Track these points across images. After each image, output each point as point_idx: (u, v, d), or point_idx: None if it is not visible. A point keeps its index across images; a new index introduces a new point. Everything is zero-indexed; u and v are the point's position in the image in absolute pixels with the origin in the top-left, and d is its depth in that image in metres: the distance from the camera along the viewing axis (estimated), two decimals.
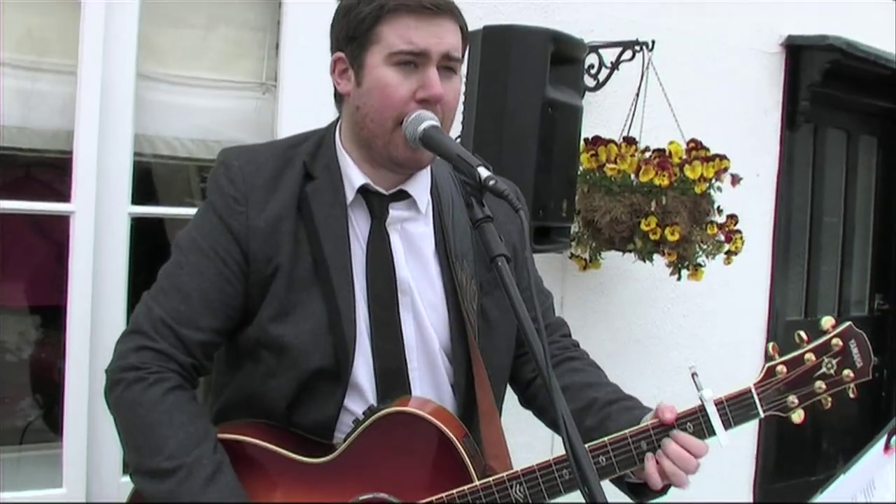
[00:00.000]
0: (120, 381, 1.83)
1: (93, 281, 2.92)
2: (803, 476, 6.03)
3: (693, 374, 1.88)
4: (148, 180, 3.78)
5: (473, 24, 3.35)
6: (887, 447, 2.07)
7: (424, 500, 1.83)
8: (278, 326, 1.86)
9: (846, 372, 1.89)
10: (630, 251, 3.79)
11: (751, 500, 5.61)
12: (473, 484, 1.83)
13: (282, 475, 1.86)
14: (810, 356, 1.89)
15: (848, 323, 1.91)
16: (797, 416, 1.89)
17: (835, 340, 1.89)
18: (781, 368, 1.89)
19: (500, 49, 3.20)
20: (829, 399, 1.90)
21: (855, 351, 1.90)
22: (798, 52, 5.34)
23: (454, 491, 1.82)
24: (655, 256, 3.81)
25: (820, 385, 1.89)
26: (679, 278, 3.89)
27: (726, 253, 3.90)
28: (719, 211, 3.86)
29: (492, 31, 3.25)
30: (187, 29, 3.20)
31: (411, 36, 1.80)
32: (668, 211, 3.60)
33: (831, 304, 6.40)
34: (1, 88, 2.92)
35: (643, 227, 3.62)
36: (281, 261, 1.86)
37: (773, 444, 5.69)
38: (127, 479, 2.93)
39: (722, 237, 3.84)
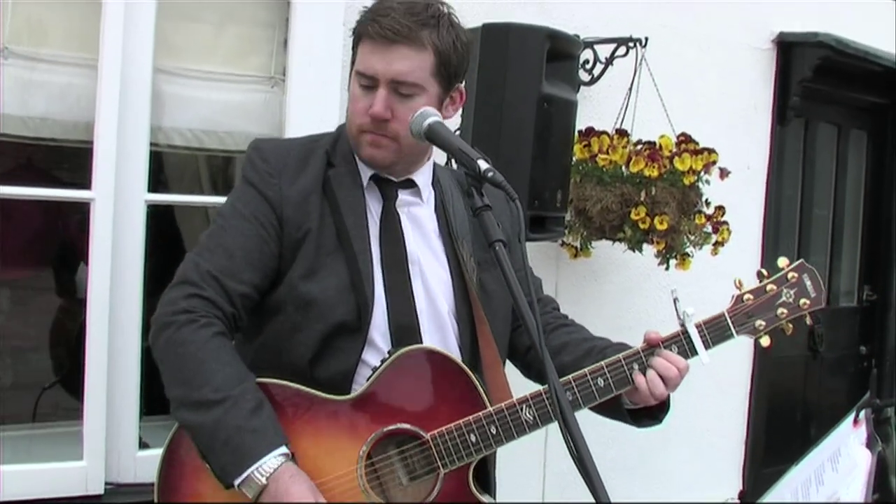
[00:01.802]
0: (171, 323, 2.00)
1: (111, 264, 3.03)
2: (792, 462, 6.11)
3: (675, 300, 2.13)
4: (161, 169, 3.92)
5: (473, 22, 3.45)
6: (856, 421, 2.23)
7: (444, 427, 2.03)
8: (307, 283, 2.07)
9: (803, 300, 2.16)
10: (620, 240, 3.89)
11: (740, 485, 5.73)
12: (488, 410, 2.04)
13: (310, 411, 2.03)
14: (772, 287, 2.16)
15: (801, 260, 2.19)
16: (765, 340, 2.15)
17: (791, 274, 2.17)
18: (749, 297, 2.16)
19: (499, 46, 3.29)
20: (791, 325, 2.16)
21: (808, 283, 2.17)
22: (789, 48, 5.41)
23: (471, 417, 2.03)
24: (645, 247, 3.92)
25: (782, 311, 2.15)
26: (667, 267, 4.00)
27: (713, 244, 4.01)
28: (707, 203, 3.97)
29: (490, 29, 3.34)
30: (201, 26, 3.30)
31: (367, 60, 2.08)
32: (657, 201, 3.72)
33: None
34: (21, 81, 3.04)
35: (633, 216, 3.73)
36: (310, 226, 2.10)
37: (763, 431, 5.76)
38: (144, 453, 3.11)
39: (709, 228, 3.96)
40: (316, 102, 3.28)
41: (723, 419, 5.43)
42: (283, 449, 1.92)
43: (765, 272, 2.19)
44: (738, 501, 5.64)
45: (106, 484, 3.09)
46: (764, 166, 5.52)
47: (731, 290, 5.52)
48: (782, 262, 2.19)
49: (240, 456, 1.89)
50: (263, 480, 1.88)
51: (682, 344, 2.14)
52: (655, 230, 3.76)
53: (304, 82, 3.35)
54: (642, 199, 3.75)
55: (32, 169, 4.18)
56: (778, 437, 5.87)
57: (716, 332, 2.15)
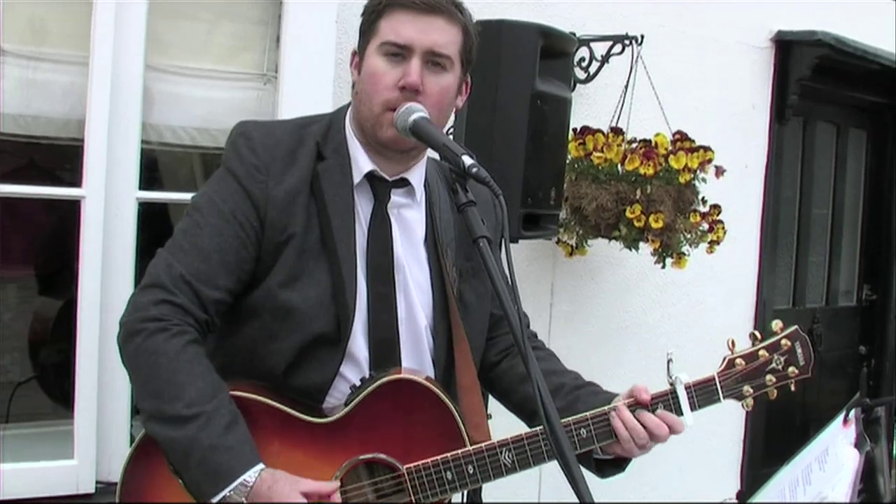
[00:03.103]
0: (141, 330, 1.88)
1: (102, 262, 3.01)
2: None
3: (669, 361, 2.09)
4: (154, 167, 3.91)
5: None
6: (846, 421, 2.23)
7: (420, 462, 1.96)
8: (286, 291, 1.97)
9: (791, 369, 2.16)
10: (615, 238, 3.89)
11: (738, 485, 5.73)
12: (467, 448, 1.98)
13: (285, 431, 1.94)
14: (764, 353, 2.15)
15: (795, 327, 2.17)
16: (747, 405, 2.15)
17: (784, 341, 2.16)
18: (740, 362, 2.13)
19: (492, 43, 3.23)
20: (776, 391, 2.16)
21: (800, 352, 2.17)
22: (787, 47, 5.43)
23: (449, 454, 1.97)
24: (641, 245, 3.91)
25: (770, 378, 2.15)
26: (663, 266, 3.99)
27: (709, 242, 4.00)
28: (703, 201, 3.96)
29: (483, 26, 3.25)
30: (193, 23, 3.28)
31: (400, 29, 1.97)
32: (652, 199, 3.71)
33: (819, 293, 6.50)
34: (14, 79, 3.04)
35: (628, 214, 3.73)
36: (294, 230, 1.99)
37: (761, 430, 5.78)
38: None
39: (705, 226, 3.95)
40: (308, 99, 3.26)
41: (721, 419, 5.42)
42: (260, 466, 1.84)
43: (758, 335, 2.17)
44: (736, 502, 5.63)
45: (97, 483, 3.07)
46: (762, 165, 5.53)
47: (728, 296, 5.54)
48: (776, 325, 2.17)
49: (215, 476, 1.81)
50: (244, 500, 1.80)
51: (668, 403, 2.09)
52: (651, 228, 3.75)
53: (296, 79, 3.33)
54: (638, 197, 3.74)
55: (35, 168, 4.17)
56: (776, 437, 5.87)
57: (703, 395, 2.12)
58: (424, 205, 2.17)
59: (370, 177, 2.07)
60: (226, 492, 1.79)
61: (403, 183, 2.12)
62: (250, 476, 1.81)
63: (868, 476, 2.15)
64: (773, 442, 5.84)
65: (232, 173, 2.01)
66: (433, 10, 1.98)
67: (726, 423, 5.51)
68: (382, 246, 2.07)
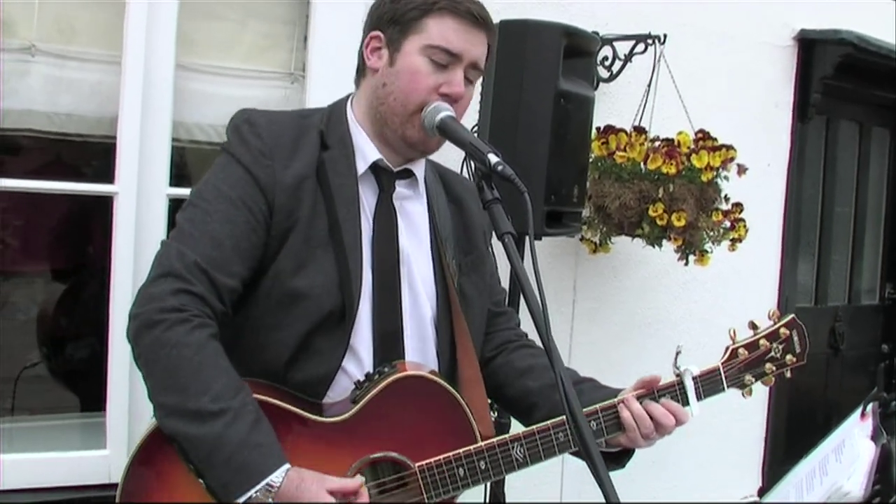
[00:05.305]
0: (161, 321, 1.80)
1: (134, 258, 3.08)
2: None
3: (678, 353, 2.13)
4: (183, 164, 3.98)
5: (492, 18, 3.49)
6: (863, 414, 2.26)
7: (432, 459, 1.95)
8: (294, 278, 1.94)
9: (788, 357, 2.20)
10: (638, 236, 3.90)
11: (760, 483, 5.73)
12: (479, 444, 1.97)
13: (295, 432, 1.89)
14: (764, 342, 2.19)
15: (791, 315, 2.23)
16: (748, 392, 2.18)
17: (782, 330, 2.20)
18: (743, 352, 2.17)
19: (516, 42, 3.29)
20: (773, 378, 2.20)
21: (796, 339, 2.22)
22: (810, 46, 5.40)
23: (461, 451, 1.96)
24: (664, 242, 3.92)
25: (770, 367, 2.19)
26: (686, 263, 4.00)
27: (731, 240, 4.01)
28: (726, 199, 3.96)
29: (508, 25, 3.34)
30: (222, 23, 3.35)
31: (451, 37, 1.98)
32: (675, 198, 3.71)
33: (841, 292, 6.47)
34: (48, 77, 3.10)
35: (651, 212, 3.74)
36: (301, 215, 1.95)
37: (783, 427, 5.76)
38: None
39: (727, 224, 3.96)
40: (335, 97, 3.29)
41: (743, 417, 5.43)
42: (287, 465, 1.79)
43: (757, 323, 2.21)
44: (758, 499, 5.63)
45: None
46: (785, 164, 5.51)
47: (750, 294, 5.51)
48: (772, 313, 2.23)
49: (245, 474, 1.74)
50: (270, 501, 1.75)
51: (675, 395, 2.11)
52: (673, 227, 3.76)
53: (323, 79, 3.39)
54: (660, 195, 3.76)
55: (61, 165, 4.24)
56: (798, 434, 5.85)
57: (708, 385, 2.15)
58: (425, 197, 2.18)
59: (374, 167, 2.07)
60: (253, 491, 1.74)
61: (407, 174, 2.12)
62: (278, 476, 1.76)
63: (883, 468, 2.18)
64: (794, 439, 5.82)
65: (237, 159, 1.97)
66: (481, 25, 2.01)
67: (748, 420, 5.51)
68: (388, 237, 2.06)
